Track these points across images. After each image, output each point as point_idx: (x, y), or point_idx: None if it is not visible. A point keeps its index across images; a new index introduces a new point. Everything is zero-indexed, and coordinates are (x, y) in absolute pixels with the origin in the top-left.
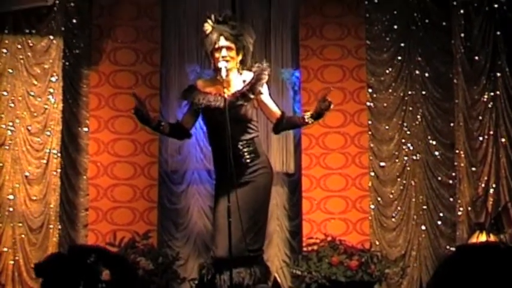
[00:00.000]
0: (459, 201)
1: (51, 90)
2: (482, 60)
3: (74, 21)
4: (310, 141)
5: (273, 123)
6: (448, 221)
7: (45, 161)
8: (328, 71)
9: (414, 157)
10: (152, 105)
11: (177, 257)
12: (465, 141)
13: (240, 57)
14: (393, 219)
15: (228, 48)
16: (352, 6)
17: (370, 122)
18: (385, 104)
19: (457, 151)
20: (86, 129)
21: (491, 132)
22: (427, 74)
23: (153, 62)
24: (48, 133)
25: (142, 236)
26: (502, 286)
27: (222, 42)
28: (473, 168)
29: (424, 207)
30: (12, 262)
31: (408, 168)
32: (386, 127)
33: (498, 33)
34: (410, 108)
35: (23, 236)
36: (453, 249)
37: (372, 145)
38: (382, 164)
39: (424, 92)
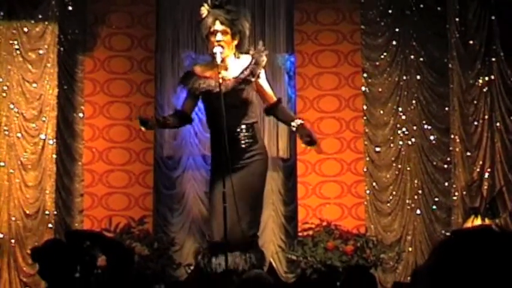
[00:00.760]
0: (454, 185)
1: (46, 76)
2: (477, 44)
3: (69, 7)
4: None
5: (266, 106)
6: (443, 205)
7: (40, 147)
8: (323, 55)
9: (409, 142)
10: (147, 90)
11: (173, 243)
12: (460, 125)
13: (236, 42)
14: (388, 204)
15: (223, 33)
16: None
17: (365, 107)
18: (380, 89)
19: (452, 136)
20: (81, 115)
21: (486, 117)
22: (422, 59)
23: (148, 48)
24: (43, 119)
25: (138, 222)
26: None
27: (217, 26)
28: (468, 153)
29: (419, 191)
30: (7, 248)
31: (403, 153)
32: (381, 112)
33: (493, 17)
34: (405, 93)
35: (18, 221)
36: (448, 233)
37: (367, 130)
38: (377, 148)
39: (419, 77)
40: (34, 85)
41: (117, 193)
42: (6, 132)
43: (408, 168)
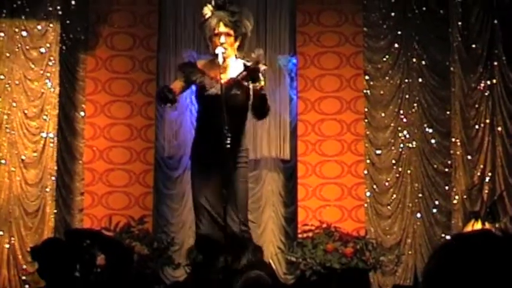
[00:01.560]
0: (455, 189)
1: (48, 75)
2: (479, 48)
3: (72, 5)
4: (306, 128)
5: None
6: (444, 209)
7: (41, 145)
8: (325, 57)
9: (410, 145)
10: (148, 90)
11: (172, 242)
12: (461, 129)
13: (238, 43)
14: (388, 207)
15: (227, 35)
16: None
17: (366, 110)
18: (381, 92)
19: (453, 139)
20: (82, 113)
21: (488, 121)
22: (423, 62)
23: (149, 47)
24: (44, 117)
25: (138, 221)
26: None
27: (222, 28)
28: (469, 157)
29: (420, 195)
30: (7, 246)
31: (404, 156)
32: (383, 114)
33: (495, 21)
34: (407, 96)
35: (18, 219)
36: (448, 237)
37: (368, 132)
38: (378, 151)
39: (420, 80)
40: (36, 83)
41: (117, 192)
42: (8, 130)
43: (409, 171)
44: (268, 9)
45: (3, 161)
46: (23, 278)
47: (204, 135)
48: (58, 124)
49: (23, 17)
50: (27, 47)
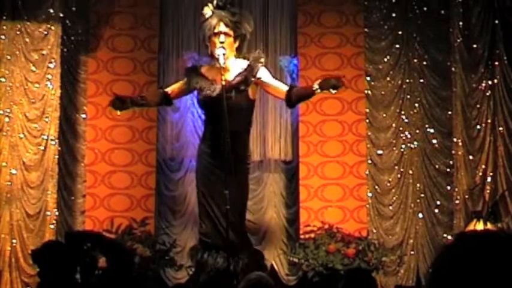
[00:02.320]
0: (456, 189)
1: (49, 77)
2: (480, 48)
3: (72, 7)
4: (308, 129)
5: (285, 100)
6: (445, 209)
7: (42, 148)
8: (326, 58)
9: (412, 145)
10: (150, 91)
11: (174, 244)
12: (463, 129)
13: (236, 45)
14: (390, 208)
15: (227, 35)
16: None
17: (367, 110)
18: (382, 92)
19: (454, 139)
20: (83, 115)
21: (489, 121)
22: (425, 62)
23: (151, 49)
24: (46, 119)
25: (140, 223)
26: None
27: (222, 28)
28: (471, 157)
29: (422, 195)
30: (9, 248)
31: (406, 157)
32: (384, 115)
33: (496, 21)
34: (408, 97)
35: (20, 222)
36: (450, 237)
37: (369, 133)
38: (380, 152)
39: (422, 80)
40: (37, 85)
41: (119, 194)
42: (9, 133)
43: (410, 172)
44: (270, 10)
45: (4, 164)
46: (25, 280)
47: (207, 138)
48: (59, 126)
49: (24, 20)
50: (28, 50)
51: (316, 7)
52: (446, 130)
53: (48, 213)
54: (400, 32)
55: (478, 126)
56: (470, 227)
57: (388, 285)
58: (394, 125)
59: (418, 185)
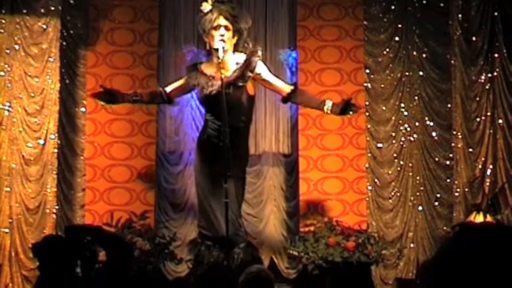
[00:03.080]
0: (456, 182)
1: (49, 71)
2: (479, 41)
3: (71, 1)
4: (307, 122)
5: (282, 97)
6: (445, 202)
7: (42, 142)
8: (326, 51)
9: (411, 138)
10: (149, 85)
11: (174, 238)
12: (462, 122)
13: (235, 40)
14: (390, 201)
15: (226, 28)
16: None
17: (367, 103)
18: (382, 85)
19: (454, 132)
20: (83, 109)
21: (489, 114)
22: (424, 55)
23: (150, 43)
24: (45, 113)
25: (139, 217)
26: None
27: (222, 21)
28: (471, 150)
29: (421, 188)
30: (9, 242)
31: (405, 149)
32: (384, 108)
33: (496, 14)
34: (408, 89)
35: (20, 216)
36: (449, 230)
37: (369, 126)
38: (379, 145)
39: (421, 73)
40: (36, 79)
41: (118, 188)
42: (8, 127)
43: (410, 165)
44: (268, 3)
45: (4, 158)
46: (25, 274)
47: (206, 132)
48: (59, 120)
49: (23, 13)
50: (28, 43)
51: (315, 0)
52: (445, 123)
53: (48, 207)
54: (399, 25)
55: (478, 119)
56: (470, 220)
57: (388, 278)
58: (393, 118)
59: (417, 177)
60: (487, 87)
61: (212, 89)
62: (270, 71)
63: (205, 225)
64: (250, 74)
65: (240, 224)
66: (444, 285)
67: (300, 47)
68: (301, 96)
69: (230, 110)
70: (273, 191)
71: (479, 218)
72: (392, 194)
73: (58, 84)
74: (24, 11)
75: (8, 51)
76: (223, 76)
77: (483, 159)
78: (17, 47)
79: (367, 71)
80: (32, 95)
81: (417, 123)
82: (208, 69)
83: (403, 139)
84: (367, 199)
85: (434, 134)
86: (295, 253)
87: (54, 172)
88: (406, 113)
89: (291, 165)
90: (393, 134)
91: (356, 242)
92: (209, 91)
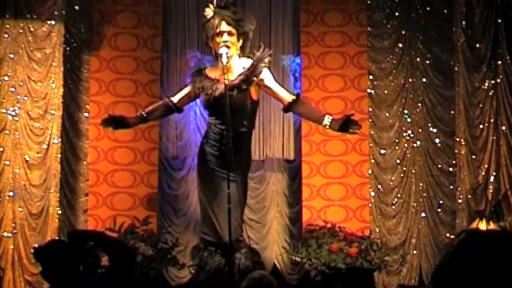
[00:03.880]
0: (459, 188)
1: (52, 76)
2: (483, 48)
3: (75, 6)
4: (311, 127)
5: (284, 106)
6: (448, 208)
7: (45, 146)
8: (329, 57)
9: (414, 144)
10: (153, 91)
11: (177, 243)
12: (465, 128)
13: (240, 43)
14: (393, 207)
15: (229, 33)
16: None
17: (370, 109)
18: (385, 91)
19: (457, 139)
20: (86, 114)
21: (492, 120)
22: (427, 62)
23: (154, 48)
24: (48, 118)
25: (142, 222)
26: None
27: (224, 27)
28: (474, 156)
29: (424, 194)
30: (12, 247)
31: (408, 156)
32: (387, 114)
33: (499, 21)
34: (411, 96)
35: (23, 220)
36: (453, 236)
37: (372, 132)
38: (383, 151)
39: (424, 80)
40: (40, 84)
41: (121, 193)
42: (12, 131)
43: (413, 171)
44: (272, 9)
45: (7, 162)
46: (28, 279)
47: (209, 137)
48: (62, 125)
49: (27, 18)
50: (31, 48)
51: (319, 6)
52: (449, 129)
53: (51, 211)
54: (403, 31)
55: (481, 126)
56: (473, 227)
57: (391, 284)
58: (396, 124)
59: (420, 184)
60: (490, 93)
61: (216, 92)
62: (274, 79)
63: (208, 231)
64: (254, 78)
65: (242, 229)
66: None
67: (304, 53)
68: (302, 108)
69: (233, 113)
70: (276, 196)
71: (482, 225)
72: (395, 200)
73: (61, 89)
74: (28, 15)
75: (11, 56)
76: (227, 80)
77: (486, 165)
78: (20, 51)
79: (371, 77)
80: (36, 99)
81: (420, 130)
82: (213, 73)
83: (406, 145)
84: (370, 205)
85: (437, 140)
86: (298, 259)
87: (57, 177)
88: (409, 120)
89: (294, 171)
90: (396, 140)
91: (359, 248)
92: (213, 94)
